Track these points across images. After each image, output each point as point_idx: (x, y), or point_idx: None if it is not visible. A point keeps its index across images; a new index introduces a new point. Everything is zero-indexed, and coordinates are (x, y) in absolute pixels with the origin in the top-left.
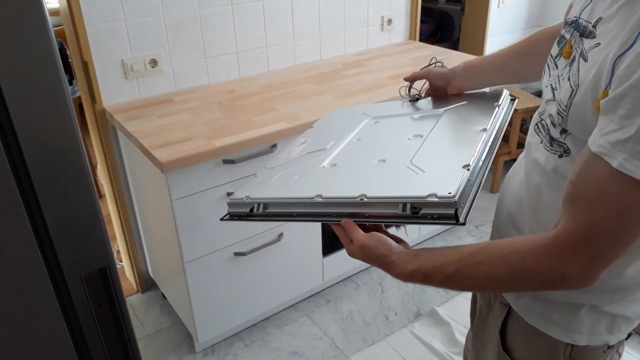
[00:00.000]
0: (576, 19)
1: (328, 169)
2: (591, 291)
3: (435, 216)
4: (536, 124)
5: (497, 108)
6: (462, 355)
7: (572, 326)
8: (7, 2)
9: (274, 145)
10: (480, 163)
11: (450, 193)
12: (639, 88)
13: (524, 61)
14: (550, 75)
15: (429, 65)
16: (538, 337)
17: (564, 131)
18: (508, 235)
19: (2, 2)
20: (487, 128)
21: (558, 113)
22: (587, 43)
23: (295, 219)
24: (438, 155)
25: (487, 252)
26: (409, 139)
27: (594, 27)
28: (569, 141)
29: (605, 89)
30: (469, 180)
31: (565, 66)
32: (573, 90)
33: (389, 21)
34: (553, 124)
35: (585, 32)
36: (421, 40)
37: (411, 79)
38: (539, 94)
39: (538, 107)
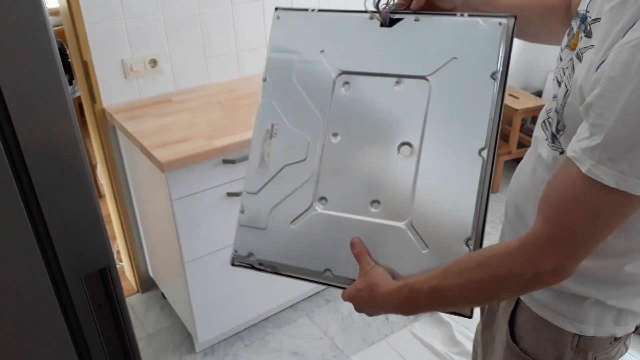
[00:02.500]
0: (584, 12)
1: (323, 215)
2: (593, 286)
3: None
4: (543, 121)
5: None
6: (462, 356)
7: (578, 317)
8: (6, 2)
9: None
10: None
11: None
12: (604, 98)
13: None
14: (557, 67)
15: None
16: (545, 328)
17: (561, 129)
18: (518, 228)
19: (1, 2)
20: (484, 147)
21: (556, 111)
22: (584, 42)
23: (304, 280)
24: (436, 212)
25: (468, 260)
26: (399, 154)
27: (592, 25)
28: (562, 140)
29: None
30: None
31: (570, 59)
32: (568, 90)
33: None
34: (553, 122)
35: (586, 30)
36: None
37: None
38: (539, 93)
39: (538, 107)
